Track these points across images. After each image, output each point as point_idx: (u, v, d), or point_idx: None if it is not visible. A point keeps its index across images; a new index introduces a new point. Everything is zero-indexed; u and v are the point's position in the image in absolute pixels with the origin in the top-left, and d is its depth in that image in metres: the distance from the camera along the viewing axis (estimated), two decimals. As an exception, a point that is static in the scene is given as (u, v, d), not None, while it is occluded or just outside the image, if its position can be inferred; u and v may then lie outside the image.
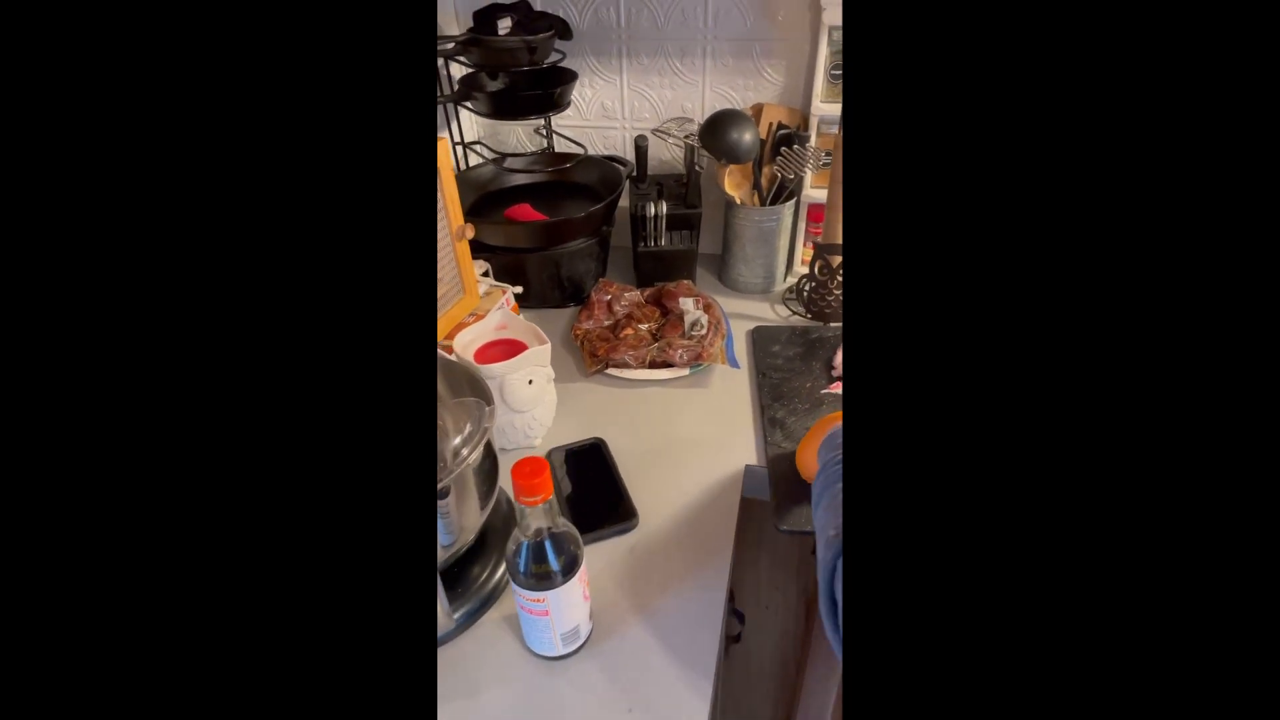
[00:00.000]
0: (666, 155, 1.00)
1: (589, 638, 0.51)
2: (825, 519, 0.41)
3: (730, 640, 0.72)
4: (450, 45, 0.78)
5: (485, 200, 0.95)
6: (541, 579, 0.45)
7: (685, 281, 0.89)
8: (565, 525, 0.47)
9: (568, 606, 0.47)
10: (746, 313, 0.90)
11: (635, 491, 0.64)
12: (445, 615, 0.50)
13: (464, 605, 0.53)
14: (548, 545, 0.45)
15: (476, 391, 0.54)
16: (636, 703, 0.48)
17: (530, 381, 0.66)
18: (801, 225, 0.94)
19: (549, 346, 0.67)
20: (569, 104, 0.88)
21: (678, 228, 0.93)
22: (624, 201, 0.93)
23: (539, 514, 0.44)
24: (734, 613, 0.69)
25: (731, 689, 0.82)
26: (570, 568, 0.46)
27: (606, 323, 0.86)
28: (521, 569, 0.45)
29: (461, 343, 0.67)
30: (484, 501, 0.53)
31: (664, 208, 0.87)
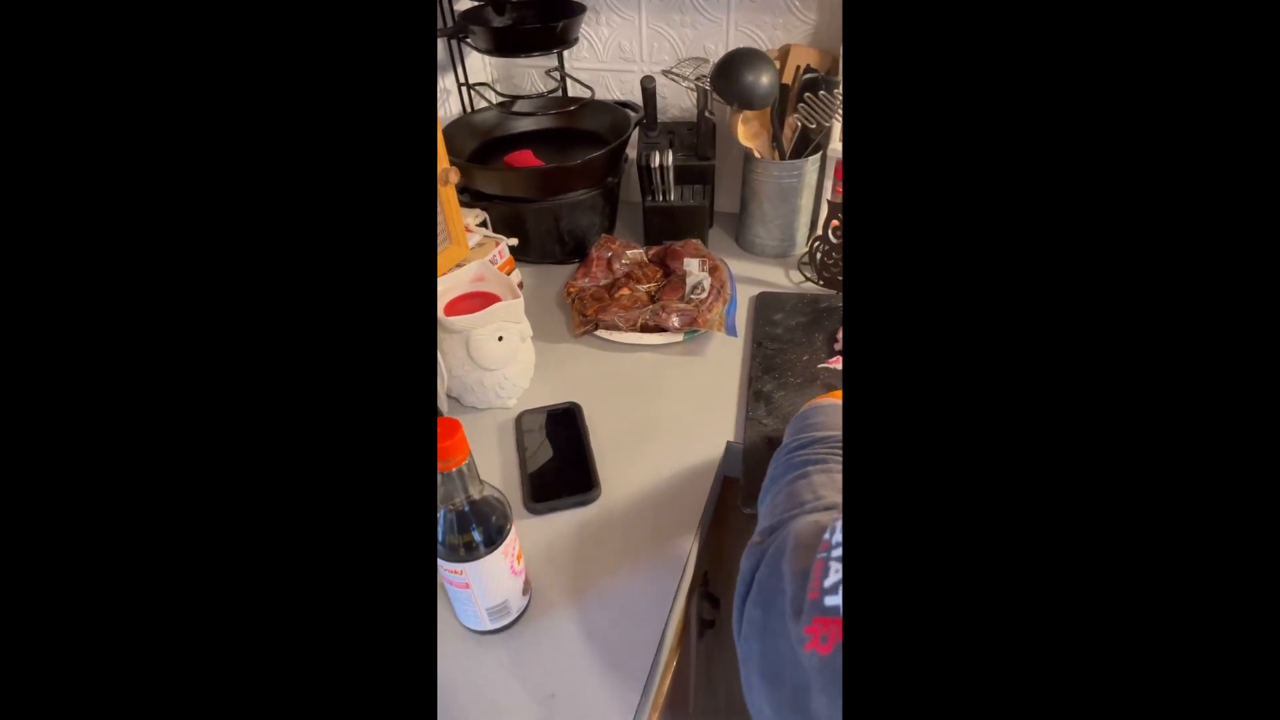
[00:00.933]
0: (687, 102, 0.92)
1: (523, 613, 0.48)
2: (761, 515, 0.35)
3: (704, 625, 0.68)
4: (446, -27, 0.73)
5: (489, 147, 0.90)
6: (461, 550, 0.42)
7: (694, 241, 0.83)
8: (490, 492, 0.43)
9: (491, 580, 0.43)
10: (760, 278, 0.82)
11: (605, 462, 0.60)
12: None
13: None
14: (468, 514, 0.41)
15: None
16: (563, 688, 0.44)
17: (501, 338, 0.62)
18: (828, 183, 0.85)
19: (520, 302, 0.62)
20: (575, 40, 0.81)
21: (690, 181, 0.86)
22: (637, 154, 0.87)
23: (454, 480, 0.40)
24: (707, 597, 0.65)
25: (709, 674, 0.78)
26: (494, 539, 0.42)
27: (603, 281, 0.81)
28: (440, 538, 0.41)
29: (432, 293, 0.64)
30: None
31: (671, 158, 0.80)
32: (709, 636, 0.70)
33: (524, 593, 0.47)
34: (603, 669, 0.45)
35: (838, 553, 0.29)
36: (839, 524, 0.30)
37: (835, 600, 0.28)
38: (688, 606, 0.56)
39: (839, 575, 0.28)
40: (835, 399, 0.48)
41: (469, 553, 0.42)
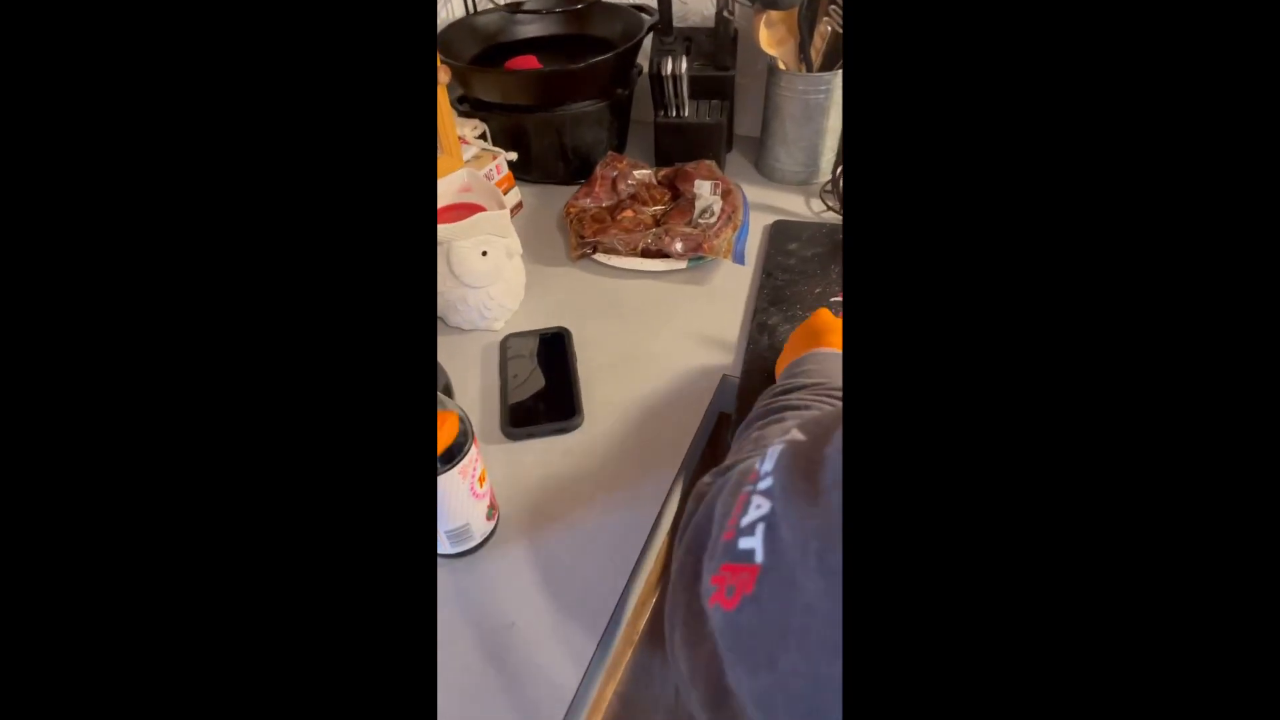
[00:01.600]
0: (708, 9, 0.83)
1: (488, 539, 0.45)
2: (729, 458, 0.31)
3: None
4: None
5: (492, 53, 0.83)
6: None
7: (708, 162, 0.76)
8: (446, 406, 0.39)
9: (451, 500, 0.40)
10: (778, 205, 0.76)
11: (592, 391, 0.56)
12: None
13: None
14: None
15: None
16: (524, 617, 0.42)
17: (485, 253, 0.57)
18: (860, 103, 0.77)
19: (506, 212, 0.57)
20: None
21: (707, 96, 0.79)
22: (649, 63, 0.79)
23: None
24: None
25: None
26: (451, 457, 0.39)
27: (606, 202, 0.75)
28: None
29: (413, 201, 0.59)
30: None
31: (685, 65, 0.73)
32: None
33: (489, 518, 0.44)
34: (568, 601, 0.42)
35: (765, 484, 0.24)
36: (776, 451, 0.25)
37: (750, 543, 0.23)
38: (664, 546, 0.52)
39: (760, 511, 0.23)
40: (836, 349, 0.43)
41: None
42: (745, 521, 0.24)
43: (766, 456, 0.25)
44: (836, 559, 0.20)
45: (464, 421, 0.40)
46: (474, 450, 0.40)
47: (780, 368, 0.49)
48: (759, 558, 0.23)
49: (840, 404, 0.25)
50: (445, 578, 0.44)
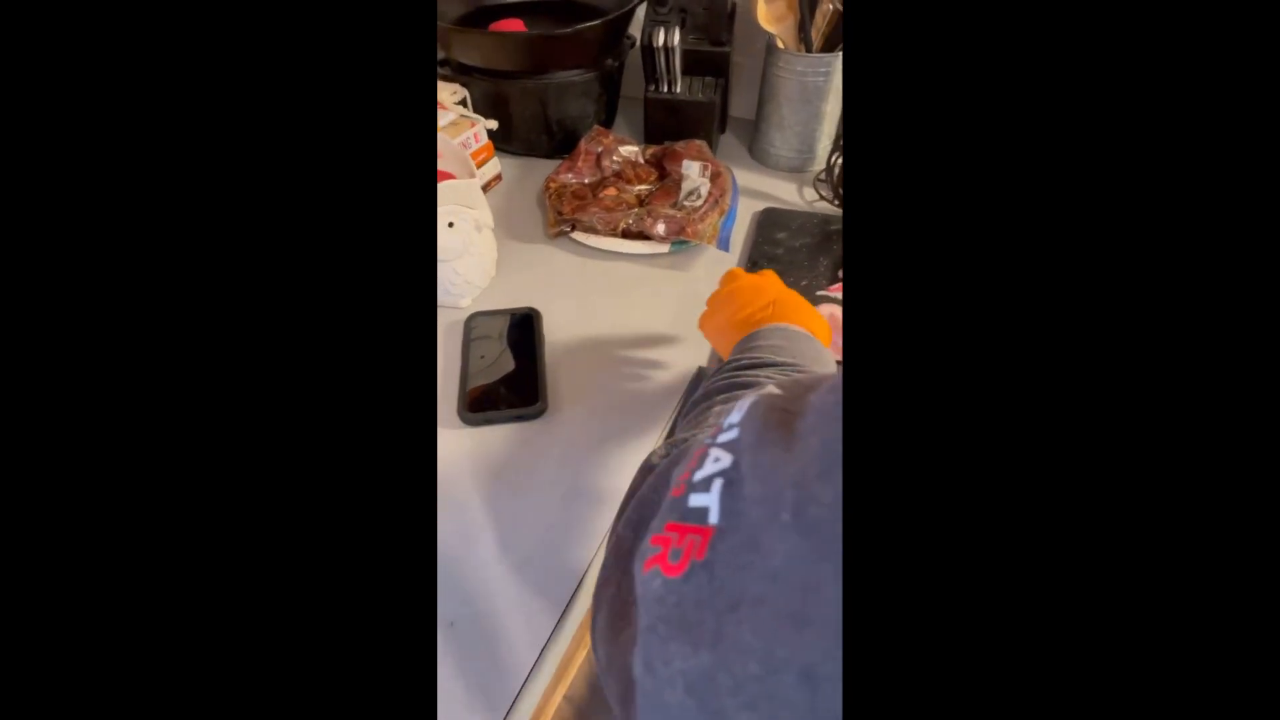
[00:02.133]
0: (709, -20, 0.79)
1: None
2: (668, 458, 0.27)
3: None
4: None
5: (478, 15, 0.79)
6: None
7: (698, 142, 0.72)
8: None
9: None
10: (769, 192, 0.72)
11: (558, 377, 0.52)
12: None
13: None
14: None
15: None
16: (466, 615, 0.39)
17: (451, 224, 0.54)
18: (860, 89, 0.74)
19: (476, 182, 0.54)
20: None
21: (702, 73, 0.75)
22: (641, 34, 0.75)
23: None
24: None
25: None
26: None
27: (589, 179, 0.72)
28: None
29: (377, 165, 0.55)
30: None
31: (679, 37, 0.69)
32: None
33: None
34: (518, 596, 0.39)
35: (730, 435, 0.21)
36: (747, 403, 0.21)
37: (703, 500, 0.20)
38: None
39: (719, 465, 0.20)
40: (797, 325, 0.39)
41: None
42: (699, 476, 0.20)
43: (734, 410, 0.22)
44: (818, 511, 0.17)
45: None
46: None
47: (710, 319, 0.45)
48: (713, 518, 0.19)
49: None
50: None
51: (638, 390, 0.52)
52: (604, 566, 0.25)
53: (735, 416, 0.21)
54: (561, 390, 0.52)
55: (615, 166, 0.72)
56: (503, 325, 0.57)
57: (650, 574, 0.20)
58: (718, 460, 0.20)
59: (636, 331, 0.57)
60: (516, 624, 0.38)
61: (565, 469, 0.46)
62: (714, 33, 0.72)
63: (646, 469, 0.27)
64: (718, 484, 0.20)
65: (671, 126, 0.75)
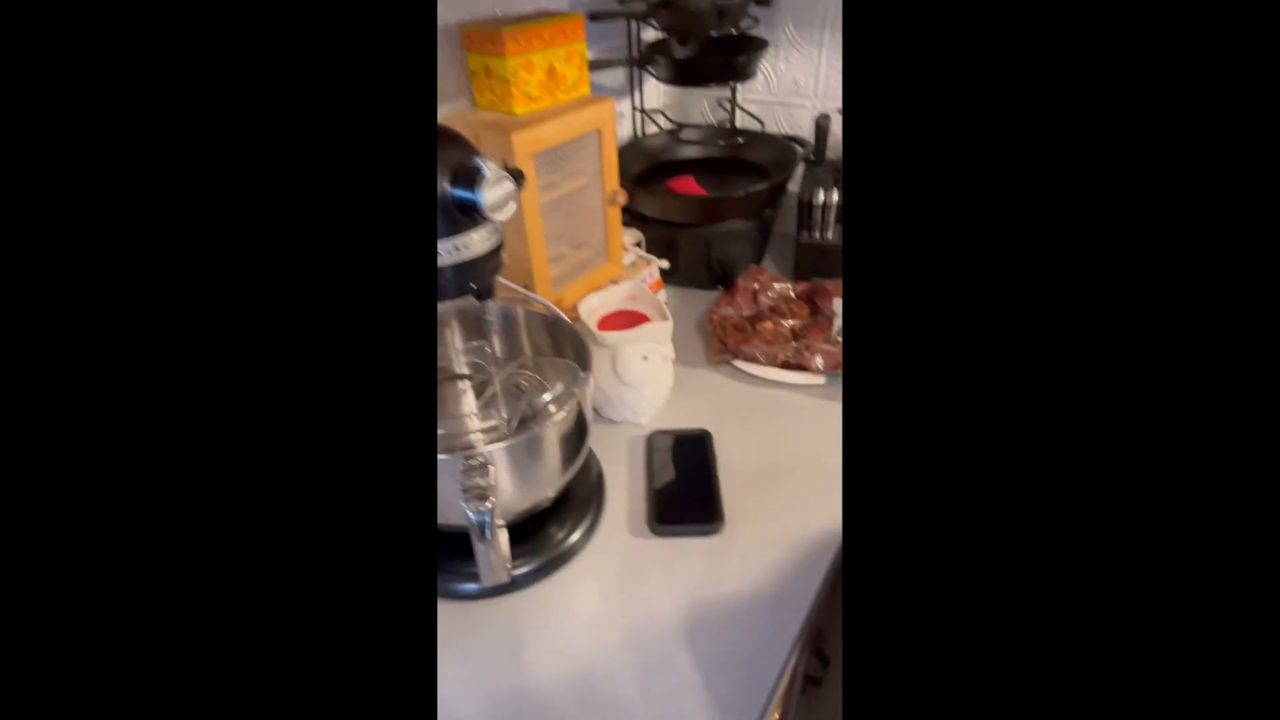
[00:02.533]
0: (856, 141, 0.90)
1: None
2: None
3: (809, 681, 0.65)
4: (640, 6, 0.77)
5: (654, 170, 0.93)
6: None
7: (846, 282, 0.81)
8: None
9: None
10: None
11: (730, 496, 0.59)
12: (503, 568, 0.50)
13: (531, 562, 0.53)
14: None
15: (577, 356, 0.53)
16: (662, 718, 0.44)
17: (645, 358, 0.64)
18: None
19: (670, 325, 0.64)
20: (754, 74, 0.82)
21: (850, 222, 0.84)
22: (798, 188, 0.86)
23: None
24: (818, 654, 0.62)
25: (805, 732, 0.74)
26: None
27: (747, 312, 0.81)
28: None
29: (587, 307, 0.67)
30: (565, 465, 0.53)
31: (835, 196, 0.79)
32: (810, 694, 0.67)
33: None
34: (716, 700, 0.45)
35: None
36: None
37: None
38: (796, 661, 0.54)
39: None
40: None
41: None
42: None
43: None
44: None
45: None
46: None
47: None
48: None
49: None
50: (587, 660, 0.47)
51: (805, 514, 0.57)
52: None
53: None
54: (734, 508, 0.58)
55: (770, 301, 0.82)
56: (680, 444, 0.65)
57: None
58: None
59: (800, 456, 0.63)
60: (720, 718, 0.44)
61: (745, 581, 0.52)
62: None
63: None
64: None
65: (821, 266, 0.84)
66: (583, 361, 0.52)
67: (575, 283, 0.74)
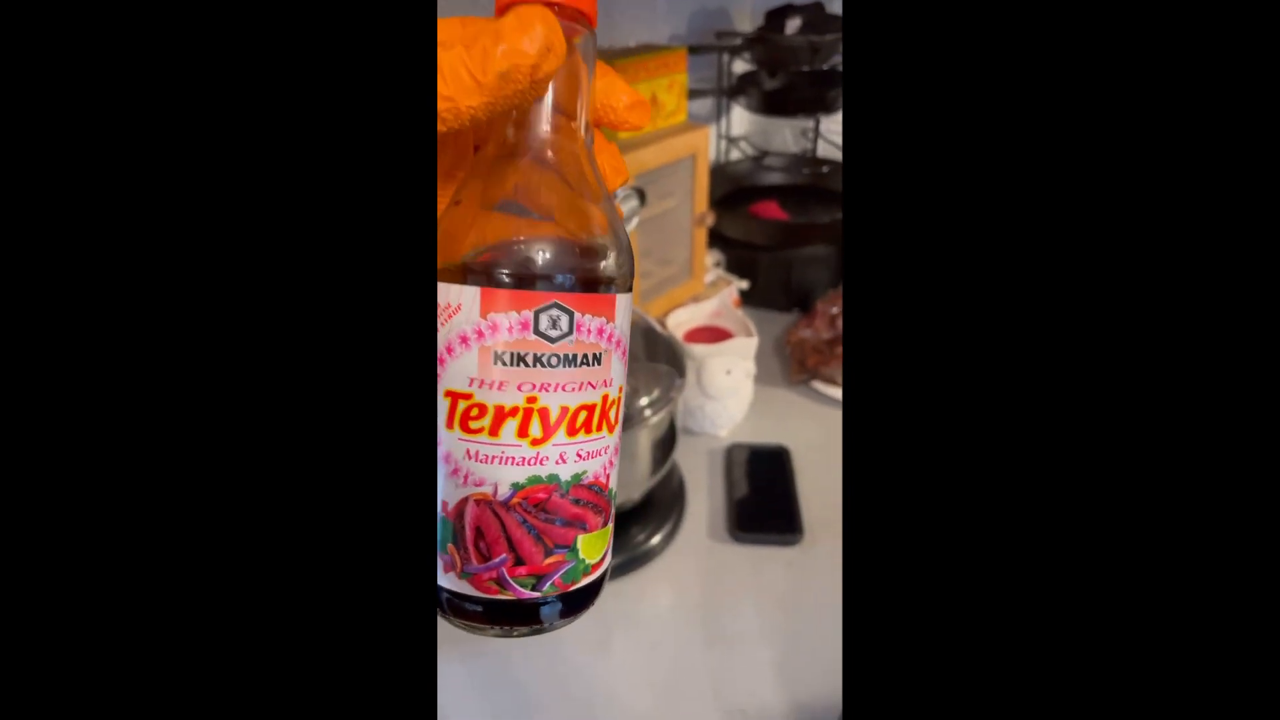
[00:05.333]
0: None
1: (532, 624, 0.21)
2: None
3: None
4: (737, 41, 0.81)
5: (738, 195, 0.97)
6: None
7: (926, 311, 0.81)
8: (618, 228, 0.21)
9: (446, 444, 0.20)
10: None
11: (809, 511, 0.61)
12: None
13: (614, 559, 0.56)
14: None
15: (673, 363, 0.56)
16: (750, 705, 0.46)
17: (729, 371, 0.66)
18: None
19: (755, 341, 0.66)
20: (840, 108, 0.85)
21: (932, 252, 0.85)
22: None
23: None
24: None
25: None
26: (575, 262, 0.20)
27: (826, 336, 0.82)
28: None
29: (675, 320, 0.70)
30: (655, 468, 0.55)
31: (919, 226, 0.80)
32: None
33: (444, 553, 0.20)
34: (798, 701, 0.46)
35: None
36: None
37: None
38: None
39: None
40: None
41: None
42: None
43: None
44: None
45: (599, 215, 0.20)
46: (590, 319, 0.19)
47: None
48: None
49: None
50: (624, 660, 0.49)
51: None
52: None
53: None
54: (815, 523, 0.59)
55: (848, 326, 0.83)
56: (758, 458, 0.67)
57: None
58: None
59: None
60: (795, 728, 0.45)
61: (826, 593, 0.53)
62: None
63: None
64: None
65: (899, 294, 0.85)
66: (678, 370, 0.55)
67: (658, 299, 0.77)
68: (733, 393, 0.68)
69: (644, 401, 0.54)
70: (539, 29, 0.17)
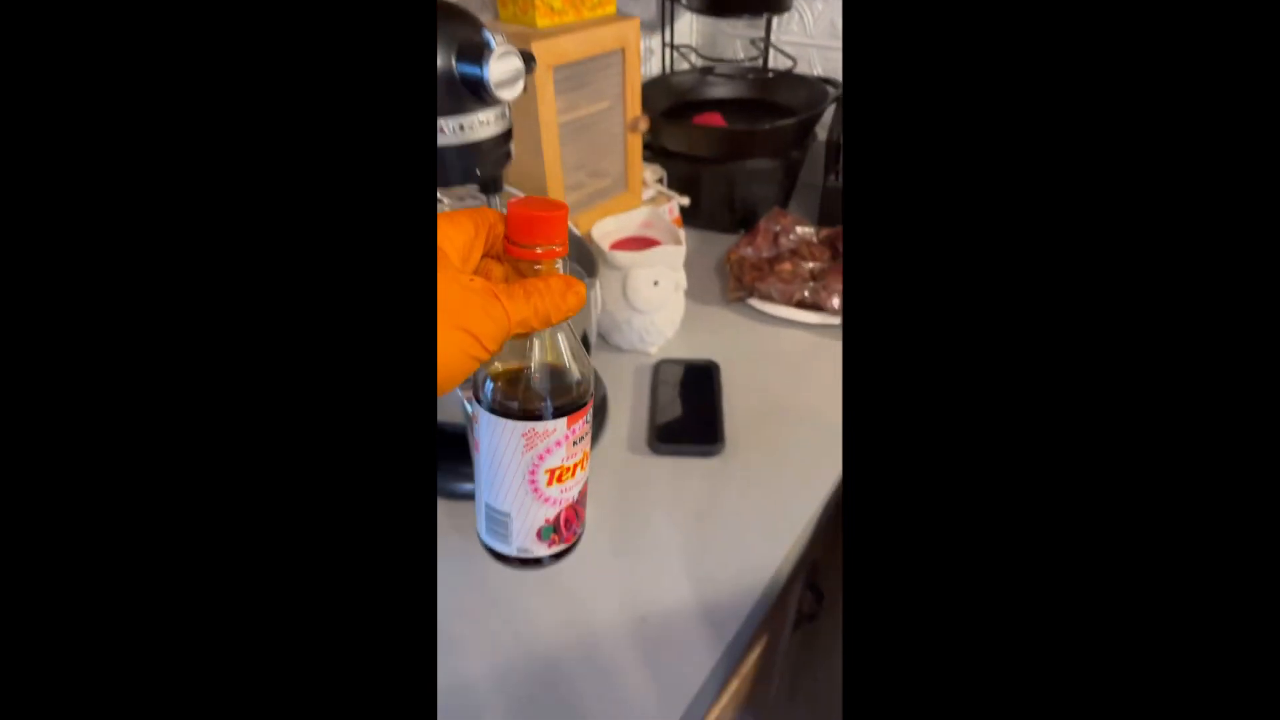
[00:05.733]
0: (892, 86, 0.87)
1: (536, 562, 0.31)
2: None
3: (803, 617, 0.65)
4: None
5: (680, 108, 0.91)
6: (493, 399, 0.28)
7: (871, 228, 0.78)
8: (572, 364, 0.29)
9: (500, 462, 0.29)
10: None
11: (733, 426, 0.58)
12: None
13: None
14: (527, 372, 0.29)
15: (583, 264, 0.52)
16: (653, 613, 0.44)
17: (656, 283, 0.63)
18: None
19: (683, 250, 0.63)
20: (789, 7, 0.79)
21: (880, 167, 0.81)
22: (829, 132, 0.83)
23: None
24: (811, 587, 0.61)
25: (802, 670, 0.74)
26: (530, 414, 0.28)
27: (767, 254, 0.79)
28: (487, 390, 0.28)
29: (601, 230, 0.66)
30: (566, 376, 0.52)
31: (865, 136, 0.76)
32: (804, 630, 0.66)
33: (544, 539, 0.31)
34: (705, 602, 0.44)
35: None
36: None
37: None
38: (787, 594, 0.53)
39: None
40: None
41: (490, 399, 0.28)
42: None
43: None
44: None
45: (584, 384, 0.29)
46: (562, 430, 0.28)
47: None
48: None
49: None
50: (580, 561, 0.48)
51: (808, 448, 0.56)
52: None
53: None
54: (738, 437, 0.57)
55: (791, 244, 0.79)
56: (686, 373, 0.64)
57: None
58: None
59: (808, 395, 0.62)
60: (703, 628, 0.43)
61: (743, 502, 0.52)
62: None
63: None
64: None
65: (846, 212, 0.82)
66: (587, 269, 0.51)
67: (590, 210, 0.73)
68: (661, 306, 0.64)
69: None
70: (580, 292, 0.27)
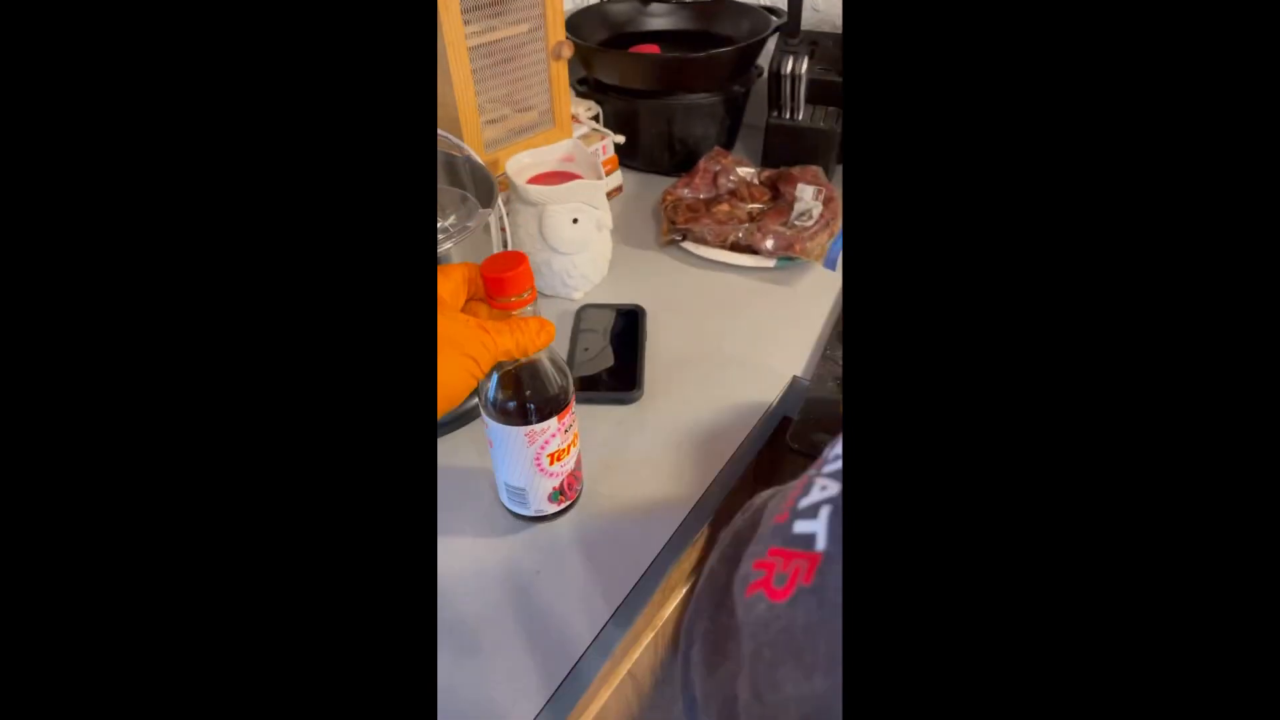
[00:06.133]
0: (840, 19, 0.82)
1: (551, 517, 0.44)
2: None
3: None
4: None
5: (617, 41, 0.85)
6: (491, 406, 0.39)
7: (814, 168, 0.74)
8: (551, 370, 0.39)
9: (511, 455, 0.40)
10: (879, 221, 0.72)
11: (657, 371, 0.55)
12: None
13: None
14: (514, 374, 0.38)
15: (481, 193, 0.48)
16: (547, 566, 0.41)
17: (575, 220, 0.58)
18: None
19: (603, 184, 0.58)
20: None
21: (826, 102, 0.77)
22: (770, 63, 0.78)
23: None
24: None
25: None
26: (523, 415, 0.38)
27: (705, 195, 0.75)
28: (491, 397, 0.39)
29: (516, 164, 0.61)
30: (467, 318, 0.48)
31: (805, 66, 0.71)
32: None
33: (554, 500, 0.43)
34: (602, 556, 0.42)
35: (833, 466, 0.21)
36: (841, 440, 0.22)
37: (809, 526, 0.20)
38: (711, 534, 0.51)
39: (825, 493, 0.21)
40: None
41: (498, 411, 0.39)
42: (805, 504, 0.21)
43: (835, 444, 0.22)
44: None
45: (564, 389, 0.39)
46: (555, 425, 0.39)
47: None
48: (821, 544, 0.20)
49: None
50: (487, 521, 0.45)
51: (731, 392, 0.54)
52: (696, 599, 0.27)
53: (837, 449, 0.22)
54: (659, 383, 0.54)
55: (731, 185, 0.75)
56: (610, 318, 0.60)
57: (754, 598, 0.21)
58: (824, 489, 0.21)
59: (736, 339, 0.59)
60: (595, 583, 0.41)
61: (655, 450, 0.49)
62: (842, 65, 0.74)
63: (749, 506, 0.29)
64: (825, 510, 0.20)
65: (790, 152, 0.78)
66: (484, 198, 0.47)
67: (513, 146, 0.68)
68: (583, 248, 0.60)
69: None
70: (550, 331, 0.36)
